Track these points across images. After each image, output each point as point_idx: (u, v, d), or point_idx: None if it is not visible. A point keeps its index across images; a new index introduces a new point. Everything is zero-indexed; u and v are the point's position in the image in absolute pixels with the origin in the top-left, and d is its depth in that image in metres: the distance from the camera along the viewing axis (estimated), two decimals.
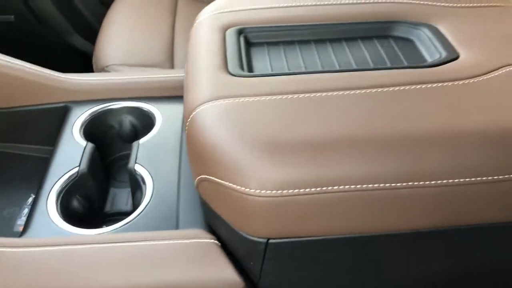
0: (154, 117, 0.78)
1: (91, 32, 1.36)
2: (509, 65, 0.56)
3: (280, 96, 0.52)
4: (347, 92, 0.53)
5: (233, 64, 0.58)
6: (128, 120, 0.81)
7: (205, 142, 0.49)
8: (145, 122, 0.80)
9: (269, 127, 0.49)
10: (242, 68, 0.58)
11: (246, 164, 0.46)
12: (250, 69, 0.60)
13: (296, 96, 0.52)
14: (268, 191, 0.46)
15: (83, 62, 1.44)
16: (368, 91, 0.53)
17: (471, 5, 0.69)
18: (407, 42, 0.65)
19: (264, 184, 0.46)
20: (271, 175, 0.46)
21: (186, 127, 0.53)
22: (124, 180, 0.78)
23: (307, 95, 0.52)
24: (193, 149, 0.52)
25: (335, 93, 0.53)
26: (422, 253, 0.53)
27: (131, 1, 1.29)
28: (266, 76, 0.56)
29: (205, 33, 0.65)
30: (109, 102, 0.80)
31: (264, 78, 0.56)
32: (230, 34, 0.64)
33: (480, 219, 0.50)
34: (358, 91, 0.53)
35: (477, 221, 0.50)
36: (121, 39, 1.11)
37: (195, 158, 0.52)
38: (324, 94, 0.53)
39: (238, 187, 0.46)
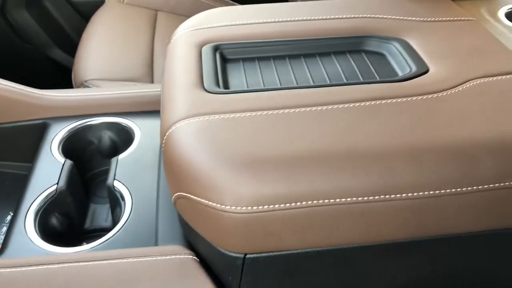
0: (133, 132, 0.79)
1: (72, 46, 1.35)
2: (474, 79, 0.58)
3: (255, 113, 0.53)
4: (320, 107, 0.54)
5: (209, 81, 0.59)
6: (107, 136, 0.81)
7: (181, 159, 0.50)
8: (125, 138, 0.80)
9: (244, 144, 0.50)
10: (218, 85, 0.59)
11: (222, 181, 0.47)
12: (226, 85, 0.61)
13: (271, 112, 0.53)
14: (244, 208, 0.46)
15: (64, 76, 1.44)
16: (341, 106, 0.54)
17: (439, 19, 0.71)
18: (379, 56, 0.66)
19: (240, 200, 0.46)
20: (246, 192, 0.47)
21: (163, 145, 0.54)
22: (103, 195, 0.78)
23: (281, 111, 0.54)
24: (169, 167, 0.52)
25: (308, 109, 0.54)
26: (400, 263, 0.55)
27: (111, 15, 1.29)
28: (242, 93, 0.57)
29: (181, 50, 0.66)
30: (88, 118, 0.81)
31: (239, 94, 0.57)
32: (206, 51, 0.65)
33: (451, 229, 0.52)
34: (331, 107, 0.54)
35: (448, 231, 0.52)
36: (101, 53, 1.11)
37: (171, 176, 0.52)
38: (298, 110, 0.54)
39: (214, 204, 0.47)
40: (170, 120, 0.54)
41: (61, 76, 1.46)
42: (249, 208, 0.46)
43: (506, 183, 0.49)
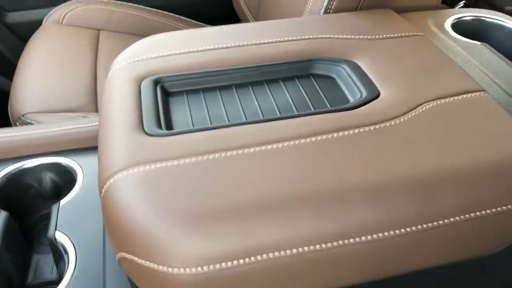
0: (76, 173, 0.73)
1: (10, 69, 1.27)
2: (426, 102, 0.56)
3: (201, 157, 0.49)
4: (271, 146, 0.51)
5: (149, 122, 0.55)
6: (48, 178, 0.75)
7: (120, 218, 0.45)
8: (67, 178, 0.74)
9: (190, 195, 0.45)
10: (159, 125, 0.55)
11: (166, 241, 0.43)
12: (169, 124, 0.56)
13: (218, 155, 0.50)
14: (193, 269, 0.42)
15: (4, 101, 1.35)
16: (291, 143, 0.51)
17: (387, 36, 0.69)
18: (329, 80, 0.64)
19: (188, 261, 0.42)
20: (194, 251, 0.43)
21: (101, 199, 0.49)
22: (48, 243, 0.72)
23: (229, 153, 0.50)
24: (109, 225, 0.47)
25: (258, 149, 0.50)
26: None
27: (49, 37, 1.21)
28: (185, 134, 0.53)
29: (119, 86, 0.61)
30: (25, 160, 0.74)
31: (183, 136, 0.53)
32: (146, 86, 0.61)
33: (416, 265, 0.49)
34: (281, 145, 0.51)
35: (414, 268, 0.50)
36: (38, 82, 1.04)
37: (112, 235, 0.48)
38: (247, 150, 0.50)
39: (160, 267, 0.43)
40: (107, 172, 0.49)
41: (2, 101, 1.37)
42: (199, 269, 0.42)
43: (467, 216, 0.47)
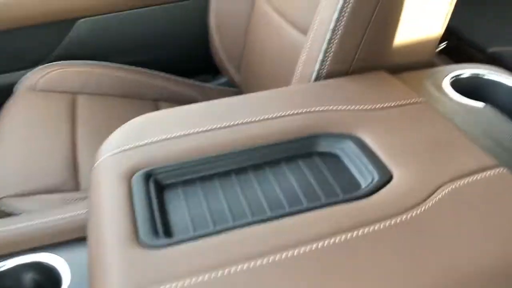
0: (61, 271, 0.66)
1: None
2: (444, 184, 0.52)
3: (208, 276, 0.44)
4: (286, 253, 0.45)
5: (144, 230, 0.49)
6: (29, 278, 0.68)
7: None
8: (52, 278, 0.67)
9: None
10: (156, 231, 0.49)
11: None
12: (167, 228, 0.51)
13: (227, 272, 0.44)
14: None
15: None
16: (308, 248, 0.46)
17: (388, 104, 0.66)
18: (333, 159, 0.60)
19: None
20: None
21: None
22: None
23: (239, 267, 0.44)
24: None
25: (272, 258, 0.45)
26: None
27: (22, 106, 1.15)
28: (186, 242, 0.47)
29: (107, 184, 0.55)
30: (1, 260, 0.67)
31: (183, 246, 0.47)
32: (137, 181, 0.55)
33: None
34: (297, 250, 0.46)
35: None
36: (14, 159, 0.97)
37: None
38: (259, 261, 0.45)
39: None
40: None
41: None
42: None
43: None
